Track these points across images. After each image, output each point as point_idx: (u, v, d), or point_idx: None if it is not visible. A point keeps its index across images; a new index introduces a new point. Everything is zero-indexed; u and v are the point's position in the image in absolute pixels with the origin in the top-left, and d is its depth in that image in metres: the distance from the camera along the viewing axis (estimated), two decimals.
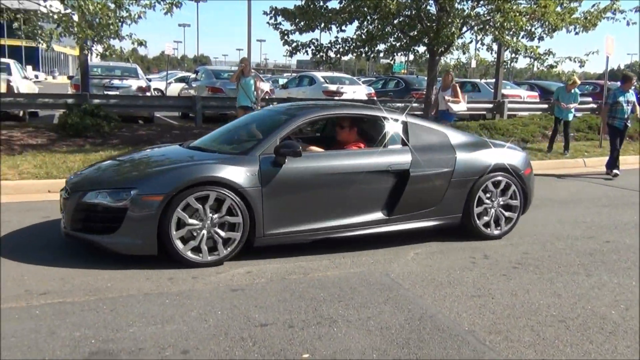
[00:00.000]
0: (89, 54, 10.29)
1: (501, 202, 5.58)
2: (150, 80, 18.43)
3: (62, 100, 10.59)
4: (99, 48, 9.19)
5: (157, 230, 4.32)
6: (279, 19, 11.43)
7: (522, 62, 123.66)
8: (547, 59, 11.46)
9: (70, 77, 16.97)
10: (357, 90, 16.77)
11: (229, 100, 12.66)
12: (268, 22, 11.50)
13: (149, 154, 5.54)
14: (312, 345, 3.20)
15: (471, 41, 15.28)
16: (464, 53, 12.42)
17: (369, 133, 5.47)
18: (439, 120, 9.14)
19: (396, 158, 5.18)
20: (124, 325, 3.37)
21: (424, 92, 13.68)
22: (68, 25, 8.32)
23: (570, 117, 11.59)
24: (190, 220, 4.39)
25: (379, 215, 5.11)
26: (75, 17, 8.55)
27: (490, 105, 15.95)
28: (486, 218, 5.52)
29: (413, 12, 10.96)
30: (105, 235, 4.39)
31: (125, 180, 4.60)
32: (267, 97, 14.23)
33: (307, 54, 11.88)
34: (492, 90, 16.68)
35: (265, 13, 11.48)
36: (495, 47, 13.25)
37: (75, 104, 10.14)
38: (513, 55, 11.82)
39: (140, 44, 8.76)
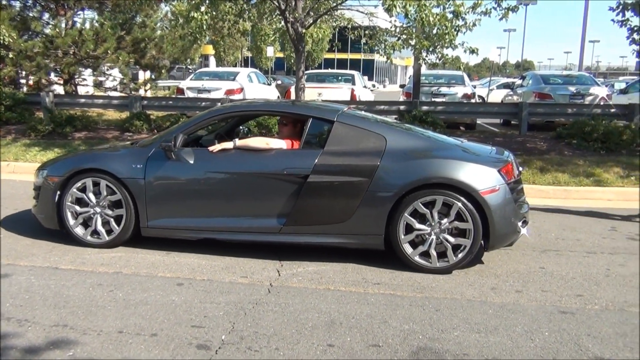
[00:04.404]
0: (422, 64, 10.91)
1: (447, 228, 4.36)
2: (474, 87, 18.57)
3: (395, 107, 11.47)
4: (432, 57, 9.67)
5: (56, 208, 4.87)
6: (628, 14, 10.14)
7: None
8: None
9: (402, 86, 18.33)
10: None
11: (558, 107, 11.86)
12: (613, 20, 10.33)
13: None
14: None
15: None
16: None
17: (301, 133, 4.83)
18: None
19: (297, 161, 4.57)
20: (449, 328, 3.44)
21: None
22: (408, 38, 9.00)
23: None
24: (87, 203, 4.84)
25: (272, 223, 4.60)
26: (414, 30, 9.18)
27: None
28: (422, 247, 4.41)
29: None
30: (33, 208, 5.19)
31: (47, 163, 5.34)
32: (601, 103, 12.84)
33: None
34: None
35: (611, 9, 10.34)
36: None
37: (407, 111, 10.89)
38: None
39: (472, 51, 8.87)
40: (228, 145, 4.79)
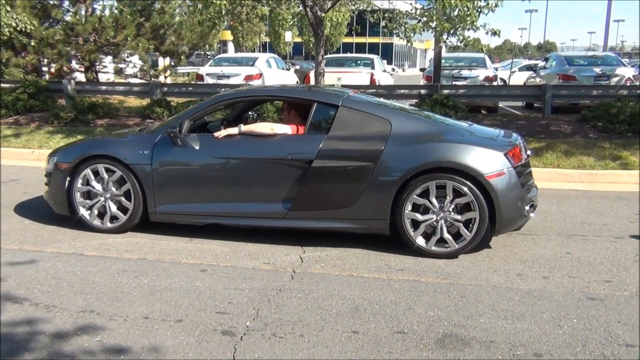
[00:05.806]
0: (443, 47, 10.74)
1: (451, 212, 4.32)
2: (496, 69, 18.26)
3: (416, 91, 11.33)
4: (453, 40, 9.49)
5: (66, 194, 4.95)
6: None
7: None
8: None
9: (422, 69, 18.10)
10: None
11: (582, 89, 11.61)
12: None
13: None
14: None
15: None
16: None
17: (306, 118, 4.77)
18: None
19: (302, 146, 4.56)
20: (474, 314, 3.41)
21: None
22: (428, 20, 8.86)
23: None
24: (96, 189, 4.91)
25: (278, 208, 4.61)
26: (435, 11, 9.02)
27: None
28: (434, 235, 4.38)
29: None
30: (45, 194, 5.28)
31: (58, 149, 5.38)
32: (628, 84, 12.56)
33: None
34: None
35: None
36: None
37: (427, 95, 10.75)
38: None
39: (495, 33, 8.69)
40: (233, 131, 4.80)
